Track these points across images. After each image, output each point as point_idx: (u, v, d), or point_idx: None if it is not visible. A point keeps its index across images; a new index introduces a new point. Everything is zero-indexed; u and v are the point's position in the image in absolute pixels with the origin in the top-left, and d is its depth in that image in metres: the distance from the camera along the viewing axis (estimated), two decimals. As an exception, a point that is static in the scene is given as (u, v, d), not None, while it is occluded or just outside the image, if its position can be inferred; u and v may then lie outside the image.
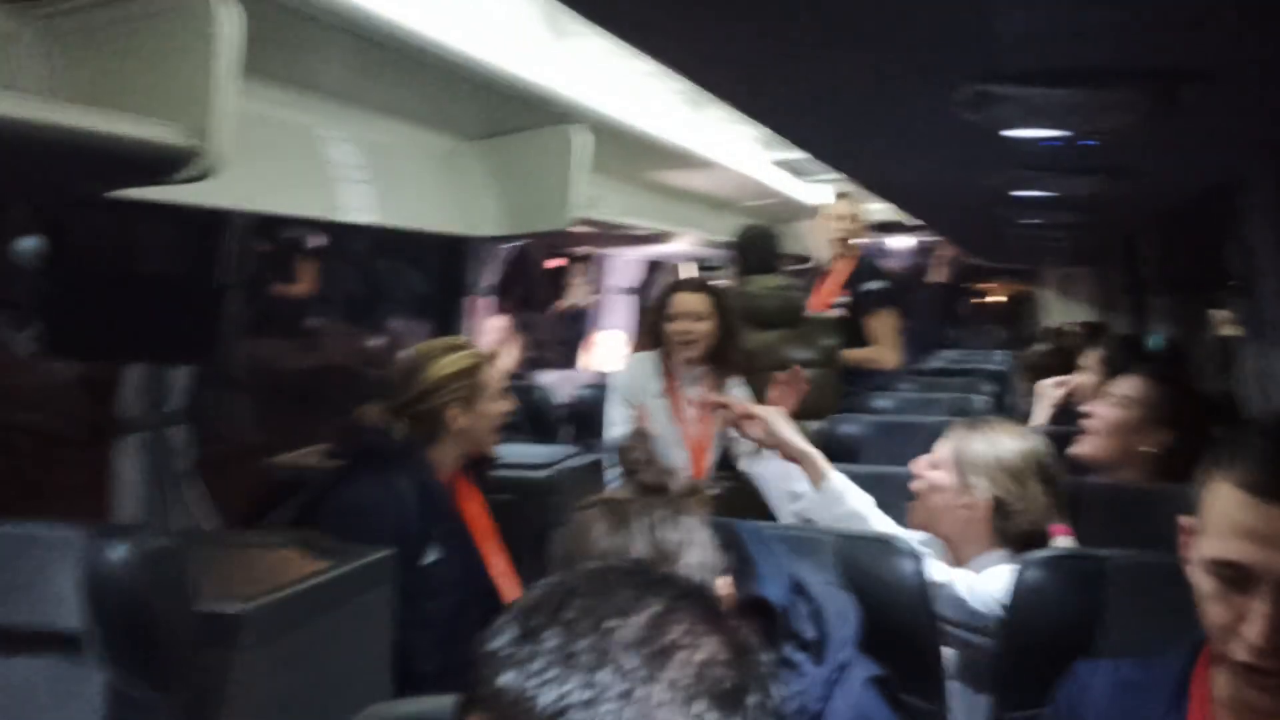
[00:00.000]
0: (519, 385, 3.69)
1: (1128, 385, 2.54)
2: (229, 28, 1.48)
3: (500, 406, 2.35)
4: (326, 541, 2.07)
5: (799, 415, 2.59)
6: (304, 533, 2.12)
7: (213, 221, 2.02)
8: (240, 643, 1.65)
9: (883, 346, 4.38)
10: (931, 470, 1.99)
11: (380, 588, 2.04)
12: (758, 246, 4.26)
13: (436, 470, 2.26)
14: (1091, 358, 3.49)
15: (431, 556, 2.19)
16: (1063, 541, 1.99)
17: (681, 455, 3.16)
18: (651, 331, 3.29)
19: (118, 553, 1.48)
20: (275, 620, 1.74)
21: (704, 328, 3.17)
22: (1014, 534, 1.91)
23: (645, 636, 0.69)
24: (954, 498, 1.94)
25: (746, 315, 3.59)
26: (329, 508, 2.18)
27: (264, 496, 2.54)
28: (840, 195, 4.65)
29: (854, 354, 4.23)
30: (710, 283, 3.41)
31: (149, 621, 1.49)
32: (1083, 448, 2.54)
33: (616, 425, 3.21)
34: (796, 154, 4.29)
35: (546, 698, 0.67)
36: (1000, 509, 1.91)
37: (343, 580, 1.94)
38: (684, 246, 4.99)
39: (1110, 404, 2.52)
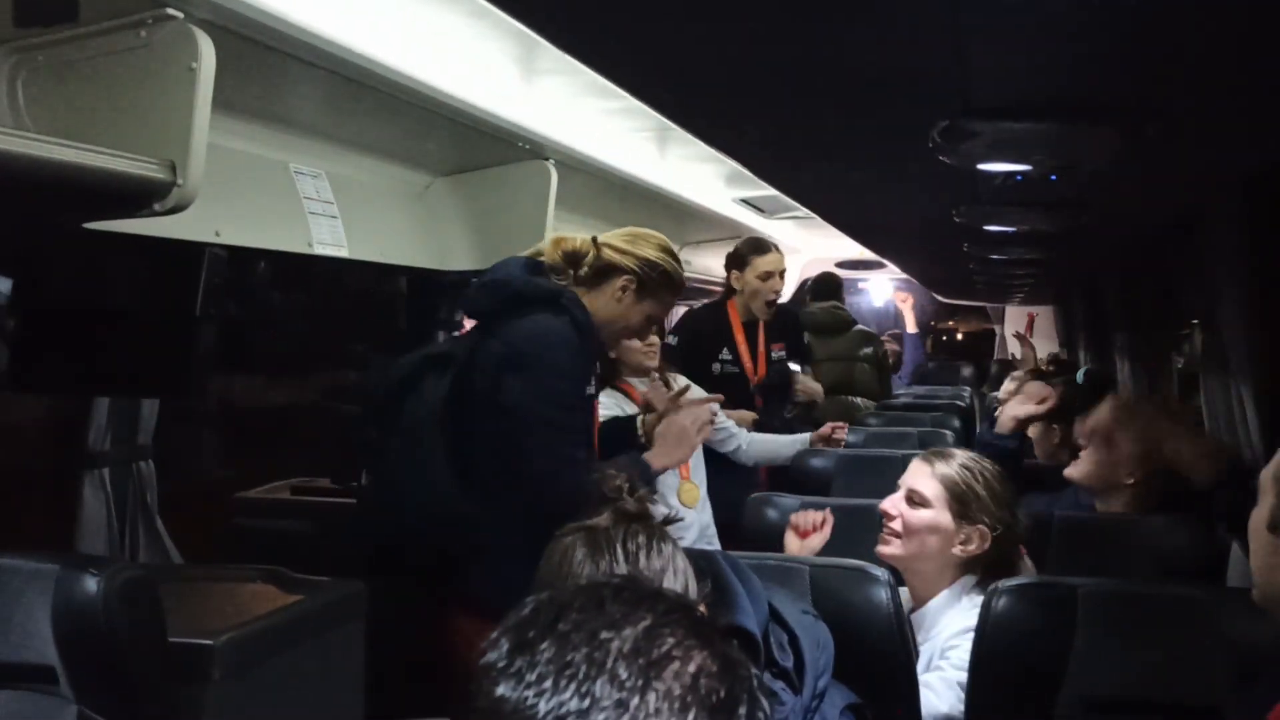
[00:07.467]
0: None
1: (1122, 418, 2.46)
2: (204, 62, 1.49)
3: (641, 342, 2.49)
4: (297, 576, 2.06)
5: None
6: (273, 568, 2.10)
7: (186, 254, 2.02)
8: (212, 675, 1.64)
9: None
10: (915, 510, 1.95)
11: (351, 621, 2.03)
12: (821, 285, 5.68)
13: None
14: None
15: (591, 390, 2.22)
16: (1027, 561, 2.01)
17: None
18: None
19: (90, 585, 1.47)
20: (247, 652, 1.73)
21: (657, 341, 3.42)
22: (992, 561, 1.91)
23: (638, 648, 0.71)
24: (951, 534, 1.91)
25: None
26: (508, 339, 2.13)
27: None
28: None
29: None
30: None
31: (121, 653, 1.48)
32: (1076, 471, 2.51)
33: None
34: (760, 191, 4.33)
35: (544, 707, 0.68)
36: (1000, 536, 1.91)
37: (314, 613, 1.93)
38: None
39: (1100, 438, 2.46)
